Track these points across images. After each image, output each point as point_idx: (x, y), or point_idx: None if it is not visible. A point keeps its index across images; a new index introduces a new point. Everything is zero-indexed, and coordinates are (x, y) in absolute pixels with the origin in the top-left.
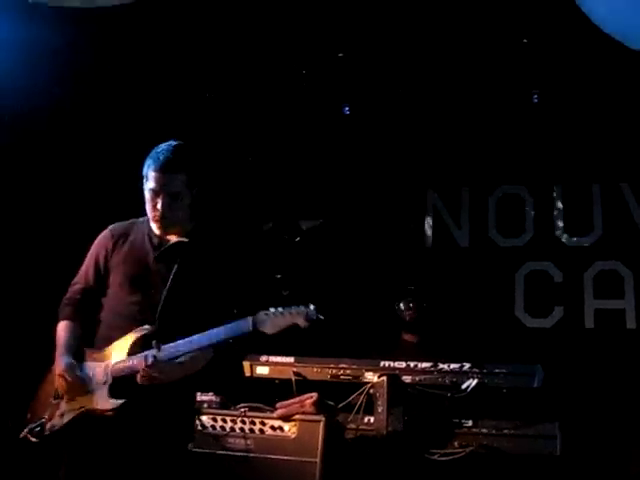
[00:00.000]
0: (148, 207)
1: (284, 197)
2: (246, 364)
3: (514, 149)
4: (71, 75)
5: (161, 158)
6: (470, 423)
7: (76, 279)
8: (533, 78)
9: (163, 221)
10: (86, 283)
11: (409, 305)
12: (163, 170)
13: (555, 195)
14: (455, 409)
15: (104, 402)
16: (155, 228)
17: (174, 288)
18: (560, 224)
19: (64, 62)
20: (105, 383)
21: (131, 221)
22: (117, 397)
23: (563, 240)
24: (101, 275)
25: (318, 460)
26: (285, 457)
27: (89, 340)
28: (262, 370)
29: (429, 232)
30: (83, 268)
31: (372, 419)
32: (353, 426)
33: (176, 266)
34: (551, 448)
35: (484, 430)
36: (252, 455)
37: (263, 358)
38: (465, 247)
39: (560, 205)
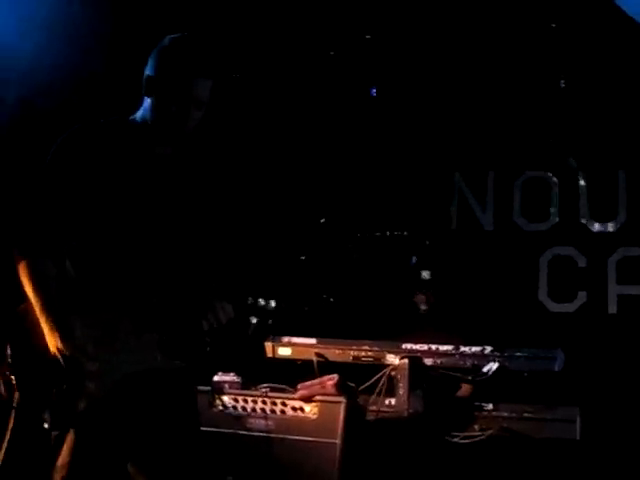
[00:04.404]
0: (162, 110)
1: (308, 179)
2: (268, 345)
3: (540, 134)
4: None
5: (200, 59)
6: (491, 406)
7: None
8: (560, 63)
9: (179, 135)
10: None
11: (424, 297)
12: (202, 75)
13: (580, 181)
14: (476, 392)
15: None
16: (159, 135)
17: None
18: (585, 210)
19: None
20: None
21: (99, 122)
22: None
23: (587, 225)
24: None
25: (338, 441)
26: (306, 438)
27: None
28: (284, 351)
29: (454, 215)
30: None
31: (393, 401)
32: (374, 408)
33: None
34: (571, 432)
35: (504, 413)
36: (273, 435)
37: (285, 339)
38: (490, 231)
39: (585, 191)
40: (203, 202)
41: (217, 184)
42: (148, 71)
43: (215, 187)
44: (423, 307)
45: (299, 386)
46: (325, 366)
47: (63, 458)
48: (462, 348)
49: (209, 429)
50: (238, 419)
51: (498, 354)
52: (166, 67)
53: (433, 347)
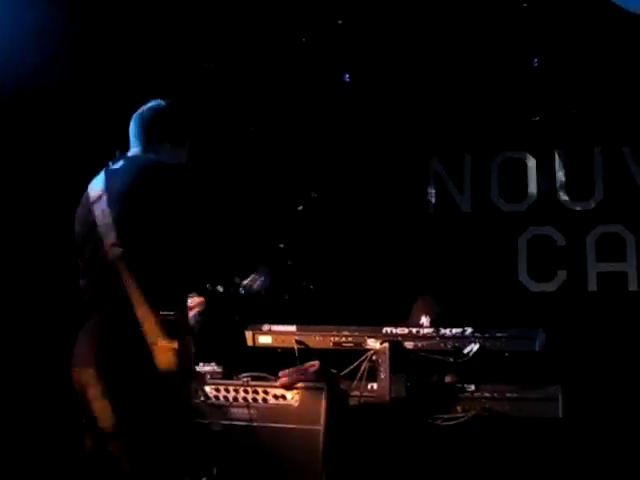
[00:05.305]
0: (181, 150)
1: (285, 166)
2: (248, 333)
3: (515, 114)
4: (64, 48)
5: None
6: (473, 387)
7: None
8: (533, 43)
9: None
10: None
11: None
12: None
13: (556, 159)
14: (458, 374)
15: None
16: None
17: None
18: (562, 188)
19: (58, 33)
20: None
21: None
22: None
23: (565, 204)
24: None
25: (321, 428)
26: (288, 425)
27: None
28: (264, 339)
29: (432, 198)
30: None
31: (375, 386)
32: (356, 393)
33: None
34: (554, 411)
35: (486, 394)
36: (255, 424)
37: (265, 327)
38: (467, 212)
39: (562, 169)
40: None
41: (199, 182)
42: (165, 126)
43: (198, 185)
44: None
45: (280, 374)
46: (306, 353)
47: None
48: (442, 330)
49: None
50: (220, 409)
51: (479, 335)
52: (180, 120)
53: (414, 330)
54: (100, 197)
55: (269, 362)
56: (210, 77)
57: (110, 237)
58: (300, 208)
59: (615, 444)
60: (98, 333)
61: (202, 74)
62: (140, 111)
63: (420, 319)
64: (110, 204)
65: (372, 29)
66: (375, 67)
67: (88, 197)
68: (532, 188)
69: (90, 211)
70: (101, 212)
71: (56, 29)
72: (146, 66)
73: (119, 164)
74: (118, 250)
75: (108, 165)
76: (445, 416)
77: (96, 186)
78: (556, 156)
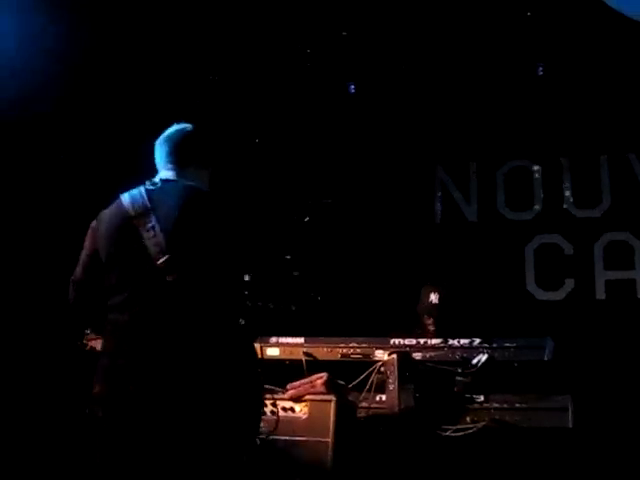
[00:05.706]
0: (209, 177)
1: (292, 177)
2: (256, 346)
3: (521, 123)
4: (71, 60)
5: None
6: (481, 398)
7: None
8: (537, 51)
9: None
10: None
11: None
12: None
13: (563, 167)
14: (466, 384)
15: None
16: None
17: None
18: (568, 196)
19: (65, 45)
20: None
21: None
22: None
23: (572, 212)
24: None
25: (330, 440)
26: (297, 438)
27: None
28: (272, 351)
29: (438, 208)
30: None
31: (383, 397)
32: (365, 405)
33: None
34: (564, 421)
35: (496, 405)
36: (264, 437)
37: (273, 339)
38: (474, 222)
39: (568, 177)
40: None
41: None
42: (194, 150)
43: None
44: (432, 328)
45: (289, 386)
46: (314, 365)
47: None
48: (451, 341)
49: None
50: None
51: (487, 345)
52: (208, 145)
53: (421, 341)
54: (144, 215)
55: (277, 374)
56: (215, 89)
57: (163, 257)
58: (307, 219)
59: (626, 454)
60: (154, 354)
61: (207, 86)
62: (167, 134)
63: (429, 297)
64: (161, 224)
65: (376, 40)
66: (380, 78)
67: (126, 212)
68: (538, 197)
69: (129, 227)
70: (151, 229)
71: (59, 43)
72: (152, 79)
73: (159, 185)
74: (175, 270)
75: (145, 184)
76: (454, 427)
77: (135, 203)
78: (562, 164)
